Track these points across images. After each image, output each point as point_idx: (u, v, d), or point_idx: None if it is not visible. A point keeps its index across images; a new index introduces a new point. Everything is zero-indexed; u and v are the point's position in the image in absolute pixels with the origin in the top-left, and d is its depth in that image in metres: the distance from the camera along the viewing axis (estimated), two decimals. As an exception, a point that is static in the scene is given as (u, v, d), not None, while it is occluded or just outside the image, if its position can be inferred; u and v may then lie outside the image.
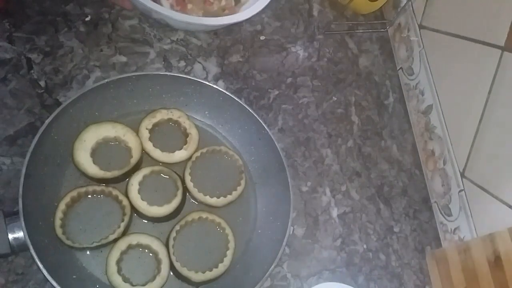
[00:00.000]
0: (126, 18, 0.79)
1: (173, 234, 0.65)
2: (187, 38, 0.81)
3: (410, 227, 0.80)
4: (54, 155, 0.64)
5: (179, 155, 0.70)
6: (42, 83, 0.70)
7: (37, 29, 0.72)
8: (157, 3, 0.75)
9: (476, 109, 0.73)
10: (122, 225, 0.63)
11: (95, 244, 0.62)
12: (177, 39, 0.80)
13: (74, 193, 0.63)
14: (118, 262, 0.62)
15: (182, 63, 0.79)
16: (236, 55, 0.83)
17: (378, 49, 0.94)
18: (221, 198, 0.69)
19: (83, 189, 0.64)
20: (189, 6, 0.79)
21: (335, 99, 0.86)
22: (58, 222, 0.61)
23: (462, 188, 0.76)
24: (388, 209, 0.80)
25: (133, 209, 0.65)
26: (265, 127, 0.71)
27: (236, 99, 0.72)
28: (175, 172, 0.69)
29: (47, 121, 0.62)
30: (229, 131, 0.75)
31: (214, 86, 0.72)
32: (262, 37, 0.86)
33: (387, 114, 0.89)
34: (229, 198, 0.69)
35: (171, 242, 0.65)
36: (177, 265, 0.63)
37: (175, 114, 0.71)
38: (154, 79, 0.70)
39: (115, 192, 0.65)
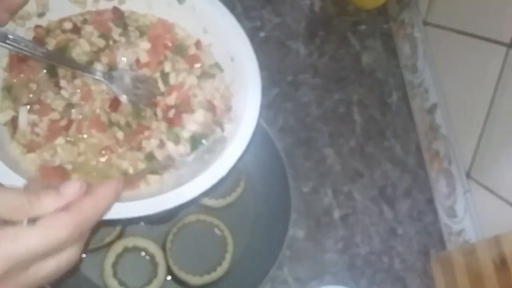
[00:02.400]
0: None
1: (170, 236, 0.65)
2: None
3: (414, 229, 0.79)
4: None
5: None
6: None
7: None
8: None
9: (481, 108, 0.72)
10: (118, 227, 0.63)
11: (90, 247, 0.61)
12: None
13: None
14: (114, 265, 0.62)
15: (180, 61, 0.78)
16: (235, 53, 0.82)
17: (381, 46, 0.93)
18: (220, 199, 0.68)
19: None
20: (59, 141, 0.50)
21: (337, 97, 0.85)
22: (51, 225, 0.60)
23: (468, 189, 0.75)
24: (391, 211, 0.79)
25: (129, 211, 0.64)
26: (265, 126, 0.70)
27: (236, 98, 0.71)
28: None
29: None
30: (228, 130, 0.74)
31: (213, 84, 0.71)
32: (262, 34, 0.85)
33: (390, 113, 0.88)
34: (228, 199, 0.69)
35: (168, 245, 0.64)
36: (175, 268, 0.63)
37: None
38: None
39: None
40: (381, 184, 0.81)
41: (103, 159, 0.51)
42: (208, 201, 0.68)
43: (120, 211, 0.42)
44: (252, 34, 0.84)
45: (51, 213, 0.33)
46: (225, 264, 0.65)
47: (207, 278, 0.64)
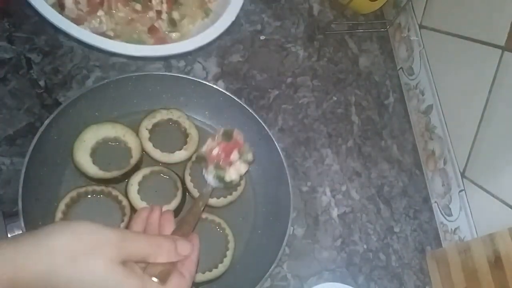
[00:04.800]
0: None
1: (173, 234, 0.65)
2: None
3: (410, 227, 0.80)
4: (53, 155, 0.64)
5: (179, 155, 0.70)
6: (41, 83, 0.70)
7: (36, 28, 0.72)
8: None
9: (476, 109, 0.73)
10: (122, 225, 0.63)
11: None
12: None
13: (73, 194, 0.63)
14: (118, 262, 0.62)
15: (182, 63, 0.79)
16: (236, 55, 0.83)
17: (378, 49, 0.94)
18: (221, 198, 0.69)
19: (82, 189, 0.64)
20: (100, 13, 0.68)
21: (335, 99, 0.86)
22: (57, 223, 0.61)
23: (463, 188, 0.76)
24: (388, 209, 0.80)
25: (133, 209, 0.65)
26: (265, 127, 0.71)
27: (236, 99, 0.72)
28: (175, 173, 0.69)
29: (46, 121, 0.61)
30: (229, 131, 0.75)
31: (214, 86, 0.72)
32: (262, 37, 0.86)
33: (387, 114, 0.89)
34: (229, 198, 0.69)
35: (171, 243, 0.64)
36: (177, 265, 0.63)
37: (175, 114, 0.71)
38: (154, 79, 0.70)
39: (114, 192, 0.65)
40: (378, 183, 0.82)
41: (132, 27, 0.68)
42: (210, 200, 0.68)
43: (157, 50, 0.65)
44: (252, 37, 0.85)
45: (175, 275, 0.46)
46: (227, 261, 0.66)
47: (209, 275, 0.64)
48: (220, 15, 0.71)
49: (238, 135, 0.65)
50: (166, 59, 0.77)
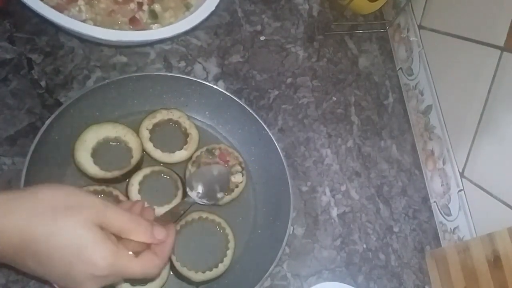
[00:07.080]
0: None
1: (174, 234, 0.66)
2: (187, 38, 0.81)
3: (410, 227, 0.81)
4: (54, 155, 0.64)
5: (180, 155, 0.70)
6: (42, 83, 0.70)
7: (37, 29, 0.72)
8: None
9: (475, 109, 0.74)
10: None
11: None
12: (177, 39, 0.80)
13: (74, 193, 0.63)
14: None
15: (182, 64, 0.79)
16: (236, 56, 0.83)
17: (377, 50, 0.95)
18: (221, 198, 0.69)
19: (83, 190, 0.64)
20: (80, 2, 0.68)
21: (335, 99, 0.86)
22: (59, 222, 0.61)
23: (462, 188, 0.76)
24: (387, 209, 0.81)
25: (134, 209, 0.65)
26: (265, 127, 0.71)
27: (236, 99, 0.72)
28: (176, 172, 0.69)
29: (47, 121, 0.62)
30: (229, 131, 0.75)
31: (214, 86, 0.72)
32: (262, 38, 0.86)
33: (386, 114, 0.89)
34: (229, 197, 0.70)
35: (171, 242, 0.65)
36: (177, 264, 0.64)
37: (175, 115, 0.72)
38: (155, 79, 0.71)
39: (115, 192, 0.65)
40: (377, 183, 0.82)
41: (112, 19, 0.67)
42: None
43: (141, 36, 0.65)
44: (252, 37, 0.86)
45: (148, 252, 0.48)
46: (227, 261, 0.66)
47: (209, 275, 0.65)
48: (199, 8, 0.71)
49: (220, 152, 0.71)
50: (143, 46, 0.77)
